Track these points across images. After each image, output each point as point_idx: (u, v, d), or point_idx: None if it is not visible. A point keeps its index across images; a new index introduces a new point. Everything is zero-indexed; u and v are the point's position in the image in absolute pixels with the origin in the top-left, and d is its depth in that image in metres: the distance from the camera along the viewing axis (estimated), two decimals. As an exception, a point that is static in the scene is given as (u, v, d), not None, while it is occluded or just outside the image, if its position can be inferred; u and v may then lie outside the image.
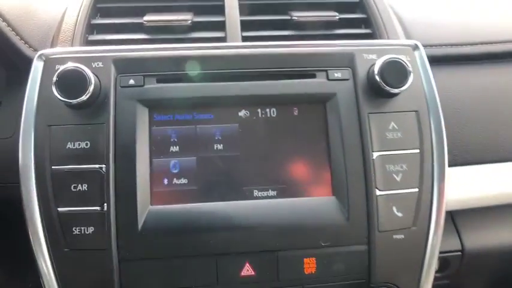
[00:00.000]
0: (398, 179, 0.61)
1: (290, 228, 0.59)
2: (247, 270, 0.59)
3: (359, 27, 0.78)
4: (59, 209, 0.57)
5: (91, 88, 0.57)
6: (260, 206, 0.60)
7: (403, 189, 0.61)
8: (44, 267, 0.57)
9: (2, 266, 0.85)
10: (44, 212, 0.57)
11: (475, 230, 0.74)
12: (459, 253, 0.72)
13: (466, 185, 0.71)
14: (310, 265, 0.59)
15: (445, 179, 0.62)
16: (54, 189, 0.57)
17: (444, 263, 0.65)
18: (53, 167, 0.58)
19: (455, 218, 0.74)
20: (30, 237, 0.58)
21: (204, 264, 0.58)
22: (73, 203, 0.57)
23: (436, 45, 0.78)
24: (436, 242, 0.62)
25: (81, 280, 0.57)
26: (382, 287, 0.60)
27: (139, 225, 0.57)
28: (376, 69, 0.61)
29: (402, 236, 0.60)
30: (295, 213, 0.60)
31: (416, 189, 0.61)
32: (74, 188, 0.57)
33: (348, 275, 0.60)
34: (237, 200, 0.60)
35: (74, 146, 0.58)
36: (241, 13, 0.74)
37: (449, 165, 0.63)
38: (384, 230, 0.60)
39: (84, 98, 0.56)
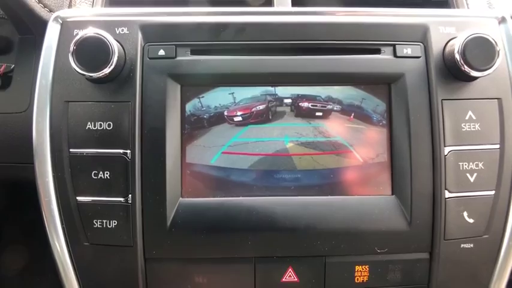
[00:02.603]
0: (472, 179, 0.51)
1: (342, 231, 0.51)
2: (290, 276, 0.51)
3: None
4: (78, 198, 0.50)
5: (114, 59, 0.48)
6: (308, 203, 0.51)
7: (477, 191, 0.51)
8: (62, 262, 0.51)
9: (20, 251, 0.81)
10: (61, 200, 0.50)
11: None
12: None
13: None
14: (362, 273, 0.52)
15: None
16: (72, 175, 0.50)
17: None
18: (71, 149, 0.50)
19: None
20: (47, 229, 0.51)
21: (240, 267, 0.51)
22: (94, 192, 0.50)
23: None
24: (510, 252, 0.53)
25: (103, 278, 0.51)
26: None
27: (169, 221, 0.50)
28: (456, 46, 0.49)
29: (471, 245, 0.52)
30: (349, 213, 0.51)
31: (493, 192, 0.52)
32: (94, 176, 0.50)
33: (404, 286, 0.52)
34: (282, 195, 0.52)
35: (94, 126, 0.50)
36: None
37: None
38: (451, 238, 0.51)
39: (106, 71, 0.48)
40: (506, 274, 0.54)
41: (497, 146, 0.52)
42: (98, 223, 0.50)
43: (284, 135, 0.52)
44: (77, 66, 0.47)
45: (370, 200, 0.52)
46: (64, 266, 0.51)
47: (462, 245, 0.51)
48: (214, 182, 0.52)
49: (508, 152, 0.52)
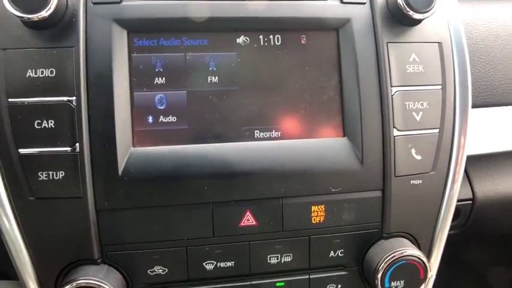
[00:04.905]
0: (418, 118, 0.54)
1: (297, 173, 0.51)
2: (248, 220, 0.51)
3: None
4: (20, 150, 0.47)
5: (53, 2, 0.45)
6: (262, 148, 0.52)
7: (423, 129, 0.54)
8: (6, 222, 0.48)
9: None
10: (1, 153, 0.47)
11: (486, 178, 0.69)
12: (470, 202, 0.67)
13: (485, 128, 0.65)
14: (318, 213, 0.53)
15: (467, 120, 0.56)
16: (13, 126, 0.47)
17: (455, 212, 0.60)
18: (10, 99, 0.47)
19: (466, 166, 0.68)
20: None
21: (197, 214, 0.50)
22: (37, 143, 0.47)
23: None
24: (455, 188, 0.56)
25: (51, 234, 0.48)
26: (395, 237, 0.54)
27: (120, 170, 0.48)
28: (398, -11, 0.51)
29: (420, 182, 0.54)
30: (303, 156, 0.52)
31: (437, 130, 0.54)
32: (37, 125, 0.47)
33: (359, 224, 0.54)
34: (236, 141, 0.51)
35: (36, 74, 0.47)
36: None
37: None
38: (401, 175, 0.53)
39: (44, 13, 0.45)
40: (452, 209, 0.57)
41: (439, 87, 0.55)
42: (44, 175, 0.47)
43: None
44: (12, 7, 0.44)
45: (323, 142, 0.53)
46: (7, 224, 0.48)
47: (412, 181, 0.54)
48: (166, 131, 0.51)
49: (449, 92, 0.55)
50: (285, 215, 0.52)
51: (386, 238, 0.54)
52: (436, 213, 0.56)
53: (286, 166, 0.51)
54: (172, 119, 0.51)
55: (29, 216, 0.48)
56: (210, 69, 0.52)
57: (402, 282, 0.52)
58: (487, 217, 0.69)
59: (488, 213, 0.69)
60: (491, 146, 0.68)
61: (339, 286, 0.55)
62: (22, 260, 0.49)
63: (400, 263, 0.51)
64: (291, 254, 0.53)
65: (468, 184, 0.68)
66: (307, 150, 0.52)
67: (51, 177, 0.47)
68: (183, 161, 0.50)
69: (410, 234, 0.55)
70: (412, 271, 0.52)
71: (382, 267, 0.51)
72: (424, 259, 0.52)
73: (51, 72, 0.47)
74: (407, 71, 0.54)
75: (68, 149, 0.47)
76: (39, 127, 0.47)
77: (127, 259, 0.50)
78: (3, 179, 0.47)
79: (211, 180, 0.50)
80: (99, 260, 0.49)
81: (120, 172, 0.48)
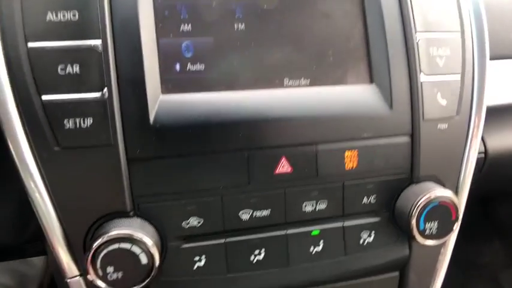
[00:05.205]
0: (441, 64, 0.55)
1: (330, 118, 0.51)
2: (283, 167, 0.50)
3: None
4: (43, 97, 0.44)
5: None
6: (293, 94, 0.51)
7: (446, 74, 0.55)
8: (29, 176, 0.45)
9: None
10: (22, 102, 0.44)
11: (498, 132, 0.71)
12: (482, 155, 0.69)
13: (499, 81, 0.67)
14: (351, 159, 0.52)
15: (486, 66, 0.57)
16: (34, 72, 0.44)
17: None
18: (29, 43, 0.44)
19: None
20: (7, 140, 0.44)
21: (232, 161, 0.48)
22: (62, 89, 0.44)
23: None
24: (478, 133, 0.57)
25: (80, 187, 0.45)
26: (424, 181, 0.55)
27: (151, 116, 0.46)
28: None
29: (446, 126, 0.55)
30: (334, 102, 0.51)
31: (459, 76, 0.55)
32: (61, 71, 0.44)
33: (389, 170, 0.54)
34: (265, 89, 0.50)
35: (57, 17, 0.44)
36: None
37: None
38: (429, 119, 0.54)
39: None
40: (475, 153, 0.58)
41: (459, 34, 0.56)
42: (70, 123, 0.44)
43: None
44: None
45: (352, 89, 0.53)
46: (30, 179, 0.45)
47: (438, 126, 0.54)
48: (195, 79, 0.49)
49: (468, 39, 0.56)
50: (319, 161, 0.51)
51: (416, 183, 0.55)
52: (461, 157, 0.57)
53: (319, 112, 0.51)
54: (200, 67, 0.49)
55: (55, 169, 0.45)
56: (237, 16, 0.50)
57: (436, 223, 0.52)
58: (499, 172, 0.72)
59: (500, 168, 0.71)
60: (505, 98, 0.70)
61: (372, 232, 0.55)
62: (48, 217, 0.45)
63: (433, 204, 0.52)
64: (326, 201, 0.52)
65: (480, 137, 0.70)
66: (337, 97, 0.52)
67: (78, 125, 0.44)
68: (215, 107, 0.48)
69: (438, 179, 0.56)
70: (444, 212, 0.52)
71: (417, 210, 0.52)
72: (456, 200, 0.53)
73: (74, 15, 0.45)
74: (429, 17, 0.54)
75: (96, 94, 0.44)
76: (63, 73, 0.44)
77: (161, 211, 0.48)
78: (25, 130, 0.44)
79: (245, 127, 0.48)
80: (131, 213, 0.47)
81: (151, 119, 0.46)
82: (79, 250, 0.47)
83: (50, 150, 0.44)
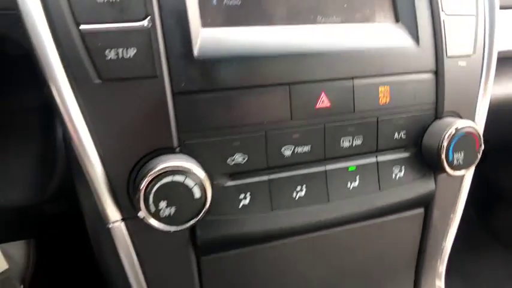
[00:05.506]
0: (459, 4, 0.57)
1: (364, 54, 0.52)
2: (323, 102, 0.50)
3: None
4: (81, 27, 0.41)
5: None
6: (329, 30, 0.51)
7: (463, 15, 0.57)
8: (69, 111, 0.42)
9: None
10: (58, 31, 0.41)
11: (501, 81, 0.75)
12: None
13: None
14: (384, 94, 0.53)
15: (496, 7, 0.61)
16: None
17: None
18: (64, -32, 0.41)
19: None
20: (44, 71, 0.41)
21: (275, 96, 0.48)
22: (101, 17, 0.41)
23: None
24: (491, 71, 0.60)
25: (123, 122, 0.43)
26: (447, 116, 0.58)
27: (195, 49, 0.44)
28: None
29: (465, 64, 0.58)
30: (367, 38, 0.53)
31: (474, 16, 0.58)
32: (100, -1, 0.41)
33: (418, 105, 0.56)
34: (302, 24, 0.50)
35: None
36: None
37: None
38: (452, 56, 0.56)
39: None
40: (489, 91, 0.61)
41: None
42: (112, 54, 0.42)
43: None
44: None
45: (382, 26, 0.54)
46: (70, 114, 0.42)
47: (459, 63, 0.57)
48: (233, 12, 0.48)
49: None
50: (356, 96, 0.52)
51: (440, 118, 0.57)
52: (477, 93, 0.60)
53: (353, 47, 0.51)
54: (236, 1, 0.48)
55: (96, 103, 0.42)
56: (269, -48, 0.50)
57: (462, 153, 0.55)
58: (504, 119, 0.76)
59: (504, 116, 0.76)
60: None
61: (403, 167, 0.56)
62: (89, 156, 0.43)
63: (460, 135, 0.54)
64: (361, 136, 0.53)
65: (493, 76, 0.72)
66: (369, 34, 0.53)
67: (120, 56, 0.42)
68: (257, 40, 0.47)
69: (458, 114, 0.59)
70: (470, 142, 0.55)
71: (446, 142, 0.54)
72: (479, 129, 0.56)
73: None
74: (446, -41, 0.57)
75: (139, 23, 0.42)
76: (103, 1, 0.41)
77: (207, 147, 0.46)
78: (63, 62, 0.41)
79: (287, 60, 0.48)
80: (177, 149, 0.45)
81: (195, 52, 0.44)
82: (122, 192, 0.45)
83: (90, 83, 0.42)
